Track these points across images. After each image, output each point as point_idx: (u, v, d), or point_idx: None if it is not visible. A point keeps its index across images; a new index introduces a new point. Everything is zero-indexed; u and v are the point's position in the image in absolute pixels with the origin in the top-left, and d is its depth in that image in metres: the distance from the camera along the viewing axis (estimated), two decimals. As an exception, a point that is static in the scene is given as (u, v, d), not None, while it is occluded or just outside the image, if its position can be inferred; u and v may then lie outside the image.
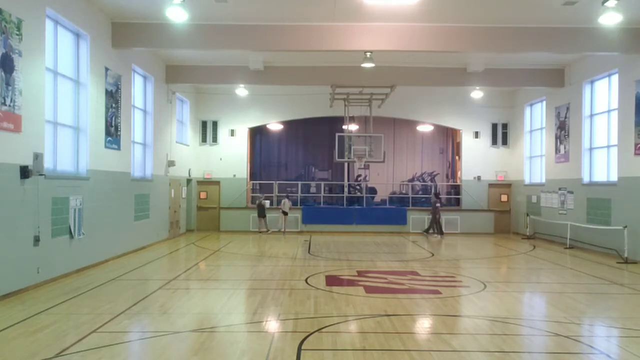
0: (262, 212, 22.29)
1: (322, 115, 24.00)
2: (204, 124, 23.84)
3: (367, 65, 15.60)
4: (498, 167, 24.17)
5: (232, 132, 23.85)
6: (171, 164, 19.59)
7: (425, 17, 13.57)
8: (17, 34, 9.66)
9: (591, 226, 16.99)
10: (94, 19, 13.10)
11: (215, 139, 23.84)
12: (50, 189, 10.82)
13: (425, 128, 25.74)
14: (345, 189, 24.77)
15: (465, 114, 24.04)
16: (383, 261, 14.64)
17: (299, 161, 26.95)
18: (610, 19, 12.27)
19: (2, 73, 9.25)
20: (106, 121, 13.76)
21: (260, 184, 25.14)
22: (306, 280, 11.44)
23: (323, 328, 7.64)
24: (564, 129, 19.43)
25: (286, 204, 22.38)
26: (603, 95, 17.38)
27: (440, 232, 21.63)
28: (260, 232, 22.24)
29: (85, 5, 12.63)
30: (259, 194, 23.78)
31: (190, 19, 13.21)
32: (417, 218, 23.12)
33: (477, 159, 24.12)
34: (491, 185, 24.17)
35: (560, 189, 19.54)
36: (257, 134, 25.92)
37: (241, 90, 21.96)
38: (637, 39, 14.30)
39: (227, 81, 20.02)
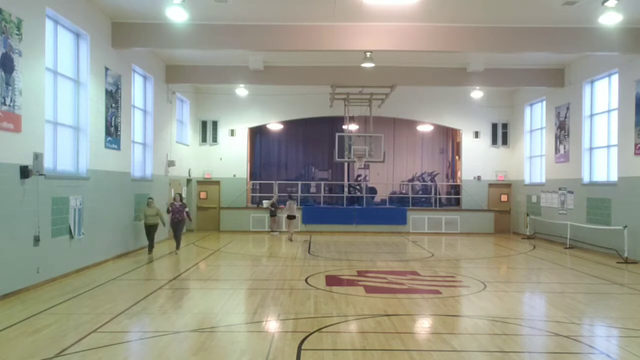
0: (274, 212, 22.20)
1: (322, 115, 24.01)
2: (204, 124, 23.85)
3: (367, 65, 15.60)
4: (498, 167, 24.17)
5: (232, 132, 23.85)
6: (171, 164, 19.59)
7: (425, 17, 13.56)
8: (17, 34, 9.66)
9: (591, 226, 16.98)
10: (94, 19, 13.09)
11: (215, 139, 23.85)
12: (50, 189, 10.82)
13: (425, 128, 25.75)
14: (345, 189, 24.78)
15: (465, 114, 24.05)
16: (383, 261, 14.64)
17: (299, 161, 26.95)
18: (610, 19, 12.28)
19: (2, 73, 9.25)
20: (106, 121, 13.76)
21: (260, 184, 25.15)
22: (306, 280, 11.44)
23: (323, 328, 7.64)
24: (564, 129, 19.42)
25: (290, 206, 20.27)
26: (603, 95, 17.37)
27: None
28: (272, 232, 22.11)
29: (85, 5, 12.63)
30: (268, 194, 23.65)
31: (190, 19, 13.21)
32: (417, 218, 23.12)
33: (477, 159, 24.13)
34: (491, 185, 24.17)
35: (560, 189, 19.54)
36: (257, 134, 25.93)
37: (241, 90, 21.97)
38: (637, 39, 14.30)
39: (227, 81, 20.02)
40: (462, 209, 23.93)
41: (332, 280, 11.51)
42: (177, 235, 15.80)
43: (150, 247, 15.38)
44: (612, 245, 15.58)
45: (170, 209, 15.83)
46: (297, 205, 22.80)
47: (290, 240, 19.41)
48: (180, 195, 16.61)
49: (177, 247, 15.85)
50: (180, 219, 15.71)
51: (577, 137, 18.45)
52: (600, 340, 7.53)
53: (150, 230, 15.27)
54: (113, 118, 14.20)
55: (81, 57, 12.80)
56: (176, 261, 14.39)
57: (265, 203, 23.11)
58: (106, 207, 13.62)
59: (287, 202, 20.63)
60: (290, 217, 20.12)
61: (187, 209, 16.05)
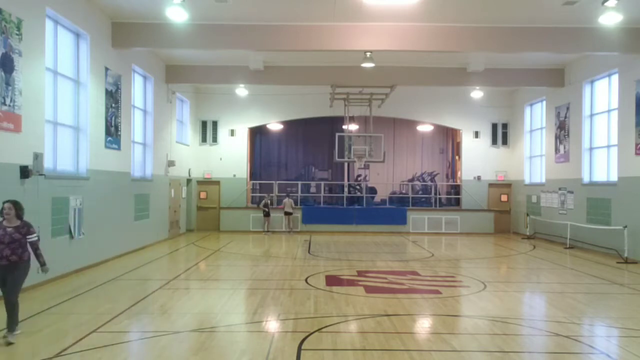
0: (268, 212, 22.28)
1: (322, 115, 24.01)
2: (204, 124, 23.85)
3: (367, 65, 15.60)
4: (498, 167, 24.17)
5: (232, 132, 23.85)
6: (171, 164, 19.59)
7: (425, 17, 13.56)
8: (17, 34, 9.66)
9: (591, 226, 16.98)
10: (94, 18, 13.09)
11: (215, 139, 23.85)
12: (50, 189, 10.82)
13: (425, 128, 25.76)
14: (345, 189, 24.78)
15: (465, 114, 24.05)
16: (383, 261, 14.64)
17: (299, 161, 26.95)
18: (610, 18, 12.29)
19: (2, 73, 9.25)
20: (106, 121, 13.75)
21: (260, 183, 25.16)
22: (306, 280, 11.44)
23: (323, 328, 7.64)
24: (564, 129, 19.42)
25: (287, 203, 22.08)
26: (603, 95, 17.37)
27: None
28: (265, 233, 22.11)
29: (85, 5, 12.63)
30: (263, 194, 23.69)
31: (190, 19, 13.21)
32: (417, 218, 23.12)
33: (477, 159, 24.13)
34: (491, 185, 24.17)
35: (560, 189, 19.54)
36: (257, 134, 25.93)
37: (241, 90, 21.97)
38: (637, 39, 14.29)
39: (227, 81, 20.02)
40: (462, 209, 23.92)
41: (332, 280, 11.51)
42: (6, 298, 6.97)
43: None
44: (612, 245, 15.58)
45: None
46: (297, 204, 22.90)
47: (289, 232, 20.61)
48: (16, 203, 7.10)
49: (9, 325, 6.91)
50: (13, 260, 6.90)
51: (577, 137, 18.44)
52: (600, 340, 7.53)
53: None
54: (113, 118, 14.20)
55: (81, 57, 12.80)
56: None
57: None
58: (106, 207, 13.61)
59: (284, 201, 21.62)
60: (287, 214, 21.32)
61: (34, 237, 7.12)
